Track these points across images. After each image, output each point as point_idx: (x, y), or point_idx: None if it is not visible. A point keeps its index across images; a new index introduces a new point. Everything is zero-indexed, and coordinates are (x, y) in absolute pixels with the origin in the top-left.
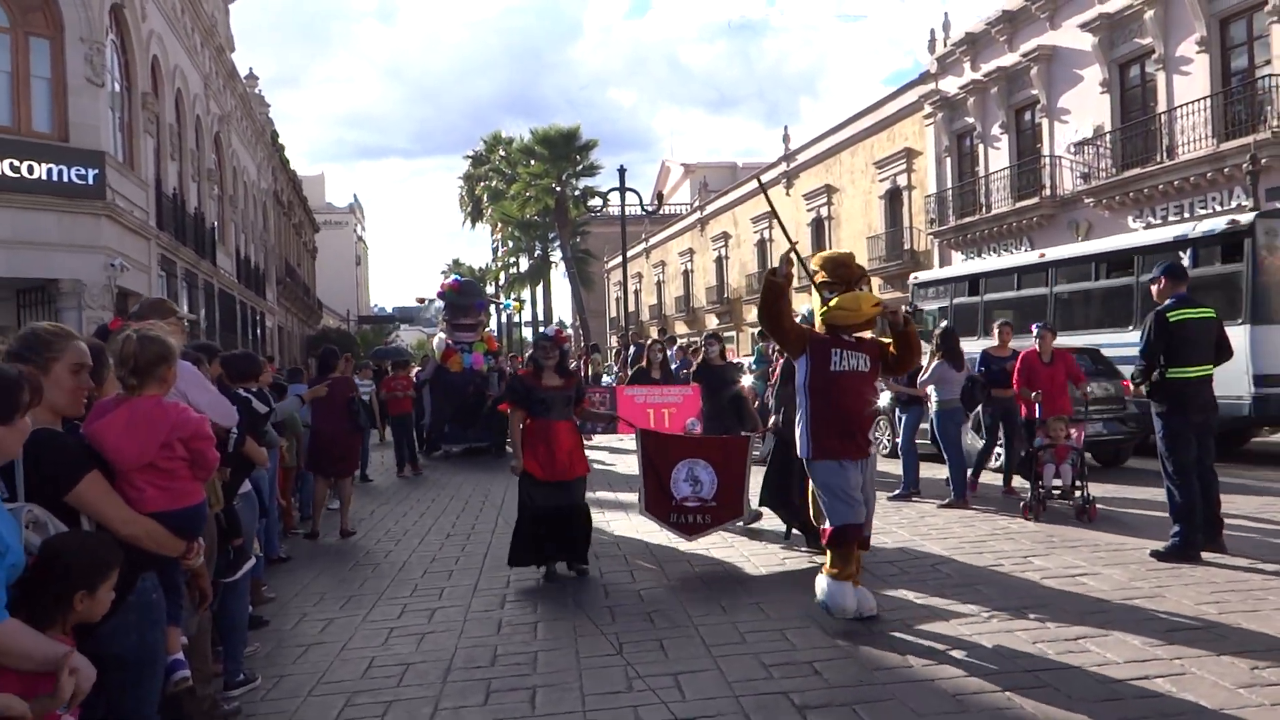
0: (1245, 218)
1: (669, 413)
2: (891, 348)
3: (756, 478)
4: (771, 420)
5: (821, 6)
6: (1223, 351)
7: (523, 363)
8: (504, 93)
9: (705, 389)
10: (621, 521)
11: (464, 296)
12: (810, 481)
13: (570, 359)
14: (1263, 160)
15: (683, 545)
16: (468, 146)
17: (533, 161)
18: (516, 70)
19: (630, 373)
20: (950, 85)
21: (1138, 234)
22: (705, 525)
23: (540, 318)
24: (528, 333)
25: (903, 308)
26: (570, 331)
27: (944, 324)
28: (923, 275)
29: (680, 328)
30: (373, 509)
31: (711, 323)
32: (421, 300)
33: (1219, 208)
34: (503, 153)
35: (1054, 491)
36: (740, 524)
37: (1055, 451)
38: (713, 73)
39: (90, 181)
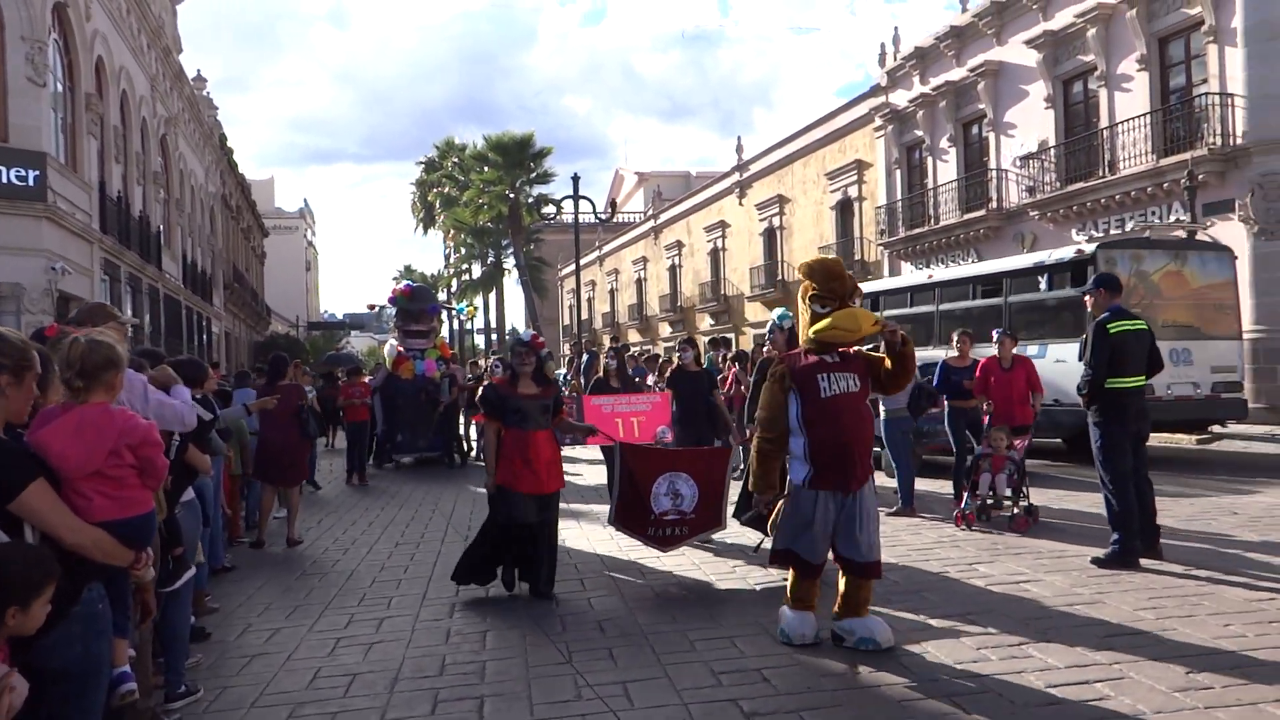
0: (1089, 248)
1: (638, 421)
2: (886, 364)
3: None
4: (749, 432)
5: (775, 18)
6: (1155, 364)
7: (483, 370)
8: (457, 98)
9: (679, 396)
10: (572, 531)
11: (415, 302)
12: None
13: (550, 366)
14: (1200, 176)
15: (633, 555)
16: (420, 152)
17: (486, 168)
18: (470, 76)
19: (584, 381)
20: (900, 98)
21: (1006, 260)
22: (682, 536)
23: (493, 325)
24: (480, 340)
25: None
26: (536, 340)
27: None
28: None
29: (633, 336)
30: (320, 518)
31: (665, 331)
32: (372, 307)
33: (1159, 221)
34: (456, 159)
35: (988, 501)
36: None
37: (991, 461)
38: (667, 81)
39: (31, 183)
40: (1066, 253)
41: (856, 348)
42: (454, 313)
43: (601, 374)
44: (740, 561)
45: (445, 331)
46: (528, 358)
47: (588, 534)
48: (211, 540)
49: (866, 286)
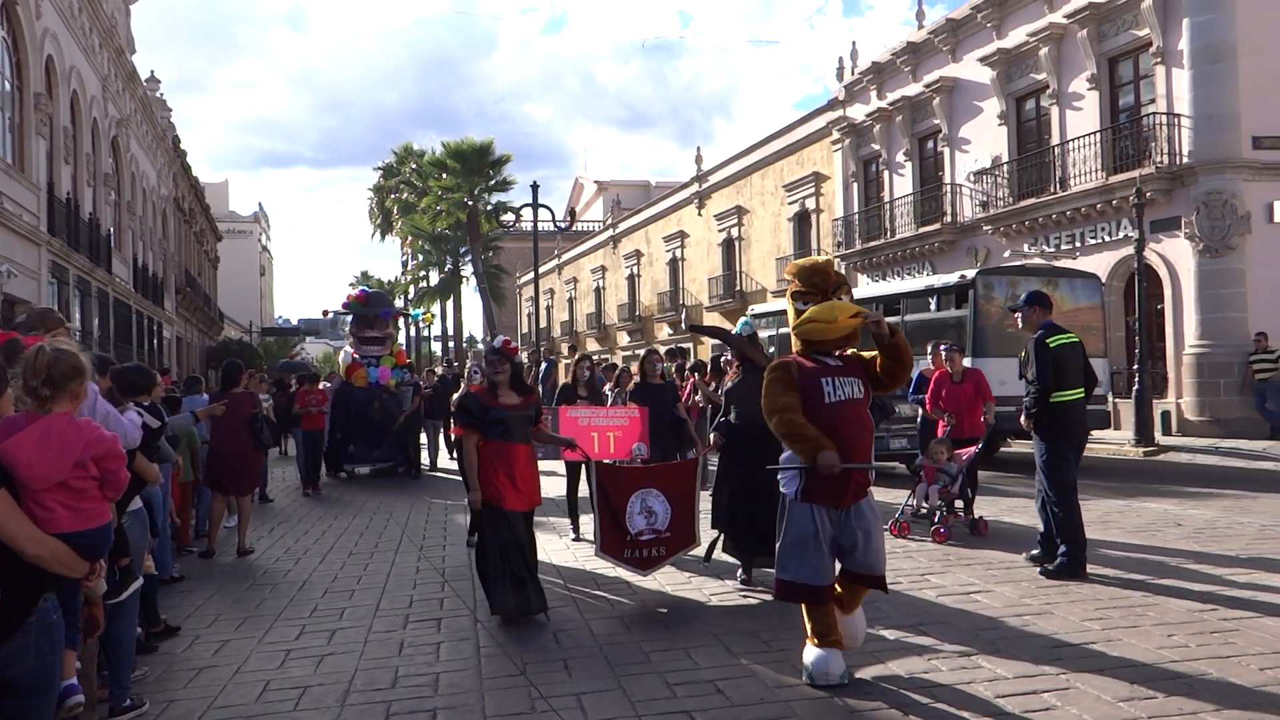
0: (970, 273)
1: (614, 436)
2: (878, 361)
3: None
4: (713, 441)
5: (735, 30)
6: (1091, 377)
7: (436, 377)
8: (416, 103)
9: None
10: None
11: (370, 307)
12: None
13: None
14: (1148, 194)
15: (589, 567)
16: (378, 157)
17: (445, 175)
18: (430, 81)
19: (541, 390)
20: (858, 112)
21: (902, 282)
22: (660, 558)
23: (450, 333)
24: (436, 347)
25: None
26: (507, 346)
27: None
28: (758, 307)
29: (592, 344)
30: (272, 527)
31: (623, 340)
32: (327, 313)
33: (1108, 237)
34: (414, 165)
35: (921, 510)
36: (692, 553)
37: (924, 471)
38: (627, 91)
39: None
40: (951, 278)
41: (851, 350)
42: (411, 319)
43: (570, 381)
44: (695, 573)
45: (402, 338)
46: (501, 365)
47: (544, 545)
48: (159, 550)
49: (771, 305)
